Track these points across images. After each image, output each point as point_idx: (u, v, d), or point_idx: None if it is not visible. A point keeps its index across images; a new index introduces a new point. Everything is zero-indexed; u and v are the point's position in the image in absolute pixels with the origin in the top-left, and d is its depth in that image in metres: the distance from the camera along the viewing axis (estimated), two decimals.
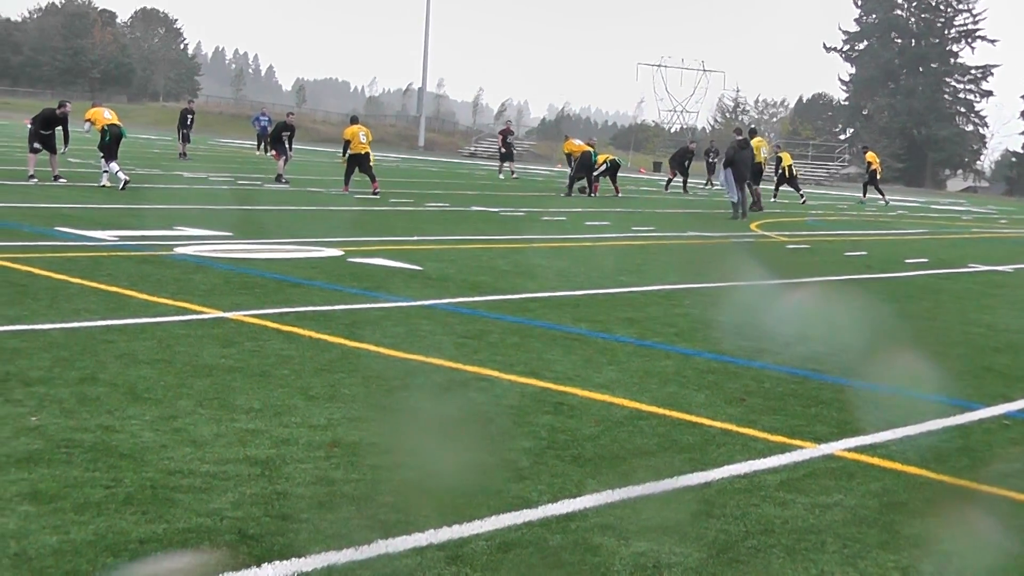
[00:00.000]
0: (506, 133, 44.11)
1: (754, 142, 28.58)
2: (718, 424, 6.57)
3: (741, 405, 7.13)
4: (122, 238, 13.50)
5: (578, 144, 33.69)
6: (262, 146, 43.97)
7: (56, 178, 22.07)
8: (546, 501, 4.96)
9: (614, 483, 5.26)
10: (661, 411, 6.79)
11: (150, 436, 5.50)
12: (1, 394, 6.05)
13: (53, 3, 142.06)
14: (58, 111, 22.30)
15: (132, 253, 12.32)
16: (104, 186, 21.58)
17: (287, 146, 28.63)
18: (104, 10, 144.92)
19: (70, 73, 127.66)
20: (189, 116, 37.98)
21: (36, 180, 21.41)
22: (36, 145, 22.05)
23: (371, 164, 26.33)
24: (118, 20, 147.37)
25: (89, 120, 23.43)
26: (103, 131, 22.33)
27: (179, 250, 12.68)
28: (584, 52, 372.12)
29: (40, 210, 16.64)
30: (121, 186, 21.20)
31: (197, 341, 7.84)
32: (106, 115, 22.86)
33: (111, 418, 5.77)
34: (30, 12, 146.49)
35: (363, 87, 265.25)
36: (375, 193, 25.21)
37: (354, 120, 27.52)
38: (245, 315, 8.90)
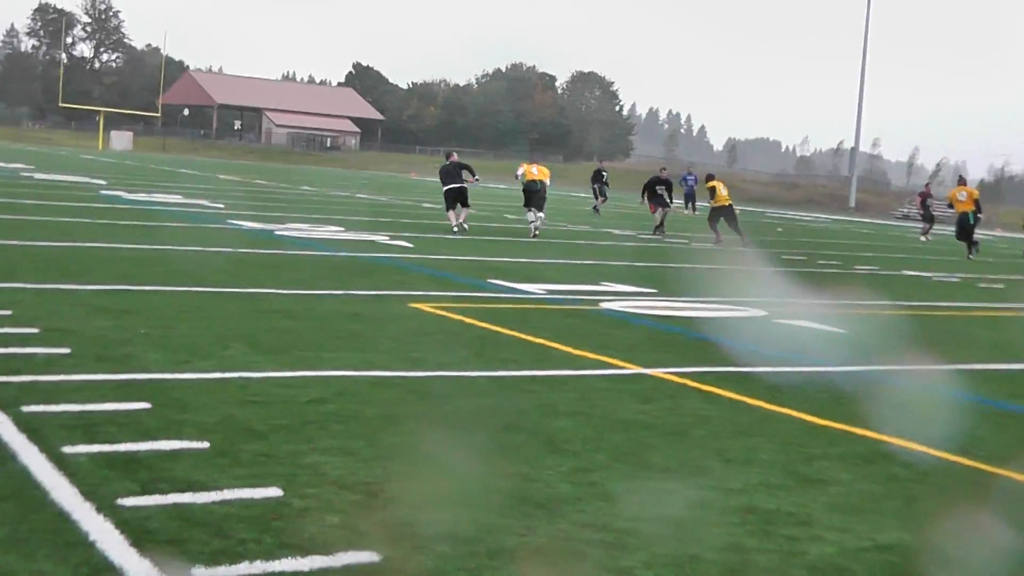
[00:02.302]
0: (925, 196, 42.63)
1: None
2: None
3: None
4: (550, 291, 13.86)
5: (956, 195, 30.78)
6: (689, 205, 45.02)
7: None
8: None
9: None
10: None
11: (565, 488, 5.52)
12: (426, 436, 6.28)
13: (499, 69, 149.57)
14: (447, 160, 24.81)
15: (559, 307, 12.61)
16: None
17: (666, 199, 29.39)
18: (545, 74, 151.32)
19: (511, 134, 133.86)
20: (604, 174, 41.27)
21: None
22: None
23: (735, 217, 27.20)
24: (557, 83, 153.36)
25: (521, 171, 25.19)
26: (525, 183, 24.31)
27: (604, 305, 12.87)
28: None
29: (474, 263, 17.40)
30: (531, 234, 22.69)
31: (616, 396, 7.87)
32: (533, 171, 24.24)
33: (529, 467, 5.85)
34: (477, 78, 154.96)
35: (794, 146, 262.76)
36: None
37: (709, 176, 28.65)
38: (665, 372, 8.86)
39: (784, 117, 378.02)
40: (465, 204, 23.79)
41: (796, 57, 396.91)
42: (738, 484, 5.84)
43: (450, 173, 24.06)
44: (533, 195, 24.01)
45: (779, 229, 40.06)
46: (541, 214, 24.14)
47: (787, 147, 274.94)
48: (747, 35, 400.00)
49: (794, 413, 7.76)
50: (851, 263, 24.15)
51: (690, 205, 45.68)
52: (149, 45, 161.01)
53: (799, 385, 8.93)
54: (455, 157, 25.10)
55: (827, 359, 10.29)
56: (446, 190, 23.87)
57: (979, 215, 30.30)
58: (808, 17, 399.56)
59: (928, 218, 40.60)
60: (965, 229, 29.70)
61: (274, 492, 5.06)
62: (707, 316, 12.72)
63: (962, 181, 33.13)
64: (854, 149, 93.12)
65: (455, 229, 23.09)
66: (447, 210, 23.84)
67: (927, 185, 47.33)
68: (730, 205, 27.61)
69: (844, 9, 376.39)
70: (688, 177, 47.67)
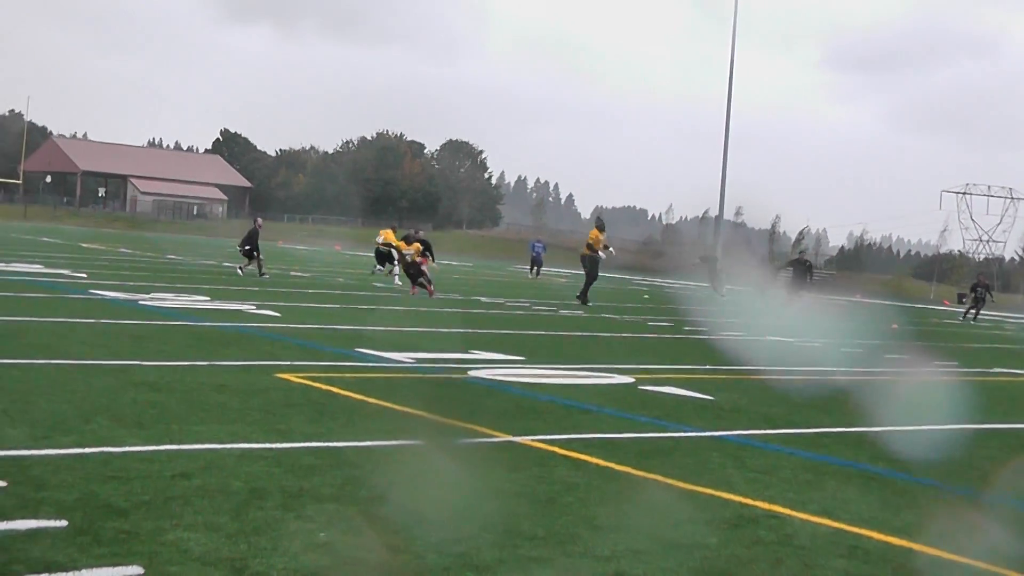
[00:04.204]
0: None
1: None
2: None
3: None
4: (419, 360, 13.84)
5: None
6: (534, 270, 51.11)
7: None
8: None
9: None
10: (964, 560, 6.35)
11: (434, 558, 5.49)
12: (294, 509, 6.20)
13: (365, 137, 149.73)
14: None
15: (427, 376, 12.60)
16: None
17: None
18: (414, 142, 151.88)
19: (380, 202, 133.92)
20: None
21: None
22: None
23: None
24: (426, 151, 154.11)
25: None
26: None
27: (473, 373, 12.89)
28: (885, 179, 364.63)
29: (342, 332, 17.30)
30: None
31: (484, 465, 7.87)
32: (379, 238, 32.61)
33: (397, 539, 5.80)
34: (343, 144, 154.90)
35: (660, 214, 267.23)
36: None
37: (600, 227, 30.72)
38: (533, 440, 8.90)
39: (650, 186, 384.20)
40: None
41: (661, 126, 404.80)
42: (607, 551, 5.88)
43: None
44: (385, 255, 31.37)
45: (646, 296, 40.60)
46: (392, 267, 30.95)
47: (653, 215, 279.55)
48: (612, 106, 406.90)
49: (661, 479, 7.85)
50: (718, 329, 24.56)
51: (535, 270, 51.06)
52: (12, 111, 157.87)
53: (666, 451, 9.04)
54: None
55: (693, 425, 10.44)
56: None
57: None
58: (672, 89, 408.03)
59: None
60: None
61: (135, 571, 4.95)
62: (575, 383, 12.82)
63: None
64: (719, 217, 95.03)
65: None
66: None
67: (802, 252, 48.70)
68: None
69: (707, 80, 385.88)
70: (536, 244, 53.32)
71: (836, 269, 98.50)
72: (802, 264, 36.87)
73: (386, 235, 35.19)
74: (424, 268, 27.65)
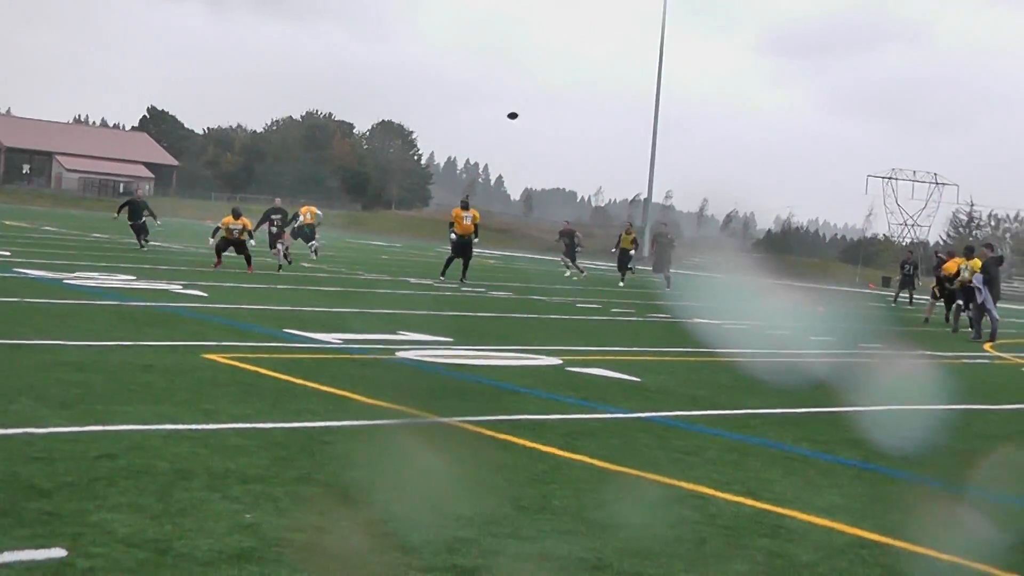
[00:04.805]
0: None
1: (972, 263, 27.11)
2: (945, 557, 6.21)
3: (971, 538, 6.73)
4: (346, 341, 13.80)
5: None
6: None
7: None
8: None
9: None
10: (884, 540, 6.47)
11: (359, 540, 5.50)
12: (220, 490, 6.18)
13: (292, 117, 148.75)
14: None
15: (355, 356, 12.58)
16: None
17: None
18: (343, 121, 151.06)
19: (309, 182, 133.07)
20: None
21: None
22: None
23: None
24: (355, 131, 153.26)
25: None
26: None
27: (400, 354, 12.89)
28: (812, 163, 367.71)
29: (269, 312, 17.21)
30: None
31: (412, 446, 7.89)
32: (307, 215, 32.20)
33: (323, 519, 5.81)
34: (273, 123, 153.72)
35: (590, 196, 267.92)
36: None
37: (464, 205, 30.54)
38: (461, 421, 8.92)
39: (580, 168, 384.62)
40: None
41: (592, 109, 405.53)
42: (532, 531, 5.92)
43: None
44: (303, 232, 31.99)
45: (574, 278, 40.75)
46: (314, 243, 32.30)
47: (583, 197, 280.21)
48: (543, 87, 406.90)
49: (588, 460, 7.91)
50: (645, 311, 24.73)
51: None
52: None
53: (593, 432, 9.10)
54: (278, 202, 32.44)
55: (621, 406, 10.52)
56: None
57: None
58: (605, 71, 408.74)
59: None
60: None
61: (58, 552, 4.91)
62: (503, 364, 12.86)
63: (968, 252, 28.48)
64: (647, 200, 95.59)
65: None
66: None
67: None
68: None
69: (640, 63, 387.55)
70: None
71: (764, 252, 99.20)
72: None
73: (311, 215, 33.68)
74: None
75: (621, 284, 36.16)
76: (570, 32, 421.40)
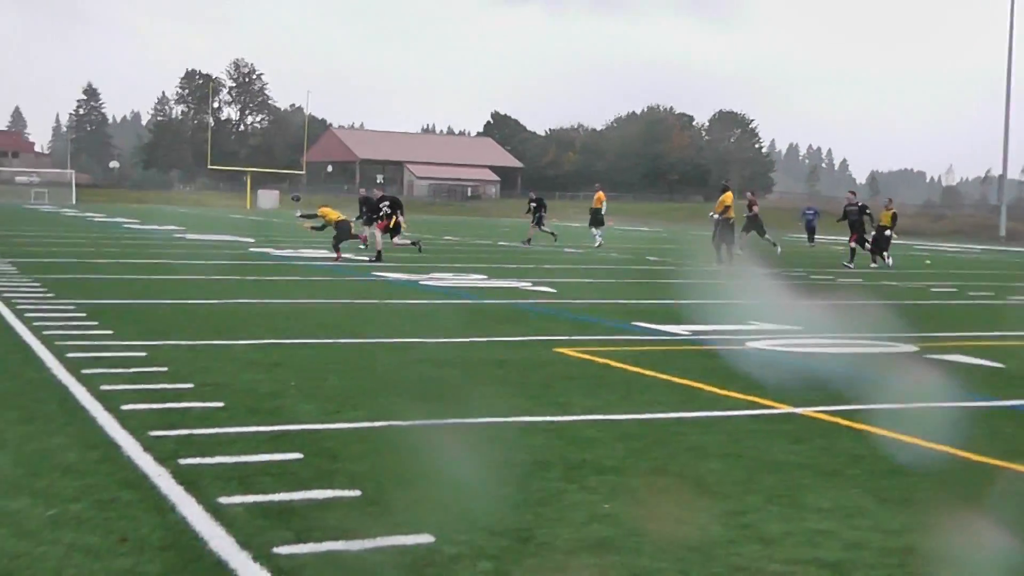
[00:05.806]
0: None
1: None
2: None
3: None
4: (695, 332, 13.74)
5: None
6: (813, 239, 49.19)
7: None
8: None
9: None
10: None
11: (718, 530, 5.45)
12: (576, 480, 6.27)
13: (633, 112, 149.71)
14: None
15: (703, 347, 12.49)
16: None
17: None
18: (682, 114, 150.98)
19: (649, 176, 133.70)
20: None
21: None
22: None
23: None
24: (695, 123, 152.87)
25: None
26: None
27: (750, 344, 12.71)
28: None
29: (617, 306, 17.36)
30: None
31: (766, 436, 7.75)
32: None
33: (680, 510, 5.79)
34: (612, 121, 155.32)
35: (939, 176, 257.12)
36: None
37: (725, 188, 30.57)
38: (815, 411, 8.71)
39: (927, 147, 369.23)
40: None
41: (937, 85, 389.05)
42: (896, 525, 5.70)
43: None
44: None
45: (927, 261, 39.19)
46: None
47: (932, 177, 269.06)
48: (884, 67, 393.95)
49: (951, 450, 7.55)
50: (1004, 294, 23.47)
51: (812, 239, 49.38)
52: (292, 105, 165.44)
53: (955, 421, 8.69)
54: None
55: (983, 394, 10.01)
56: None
57: None
58: (948, 43, 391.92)
59: None
60: None
61: (426, 539, 5.09)
62: (855, 353, 12.47)
63: None
64: (1002, 176, 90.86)
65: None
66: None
67: None
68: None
69: (985, 32, 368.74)
70: (807, 211, 51.36)
71: None
72: None
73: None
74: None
75: (873, 265, 31.85)
76: (908, 5, 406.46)
